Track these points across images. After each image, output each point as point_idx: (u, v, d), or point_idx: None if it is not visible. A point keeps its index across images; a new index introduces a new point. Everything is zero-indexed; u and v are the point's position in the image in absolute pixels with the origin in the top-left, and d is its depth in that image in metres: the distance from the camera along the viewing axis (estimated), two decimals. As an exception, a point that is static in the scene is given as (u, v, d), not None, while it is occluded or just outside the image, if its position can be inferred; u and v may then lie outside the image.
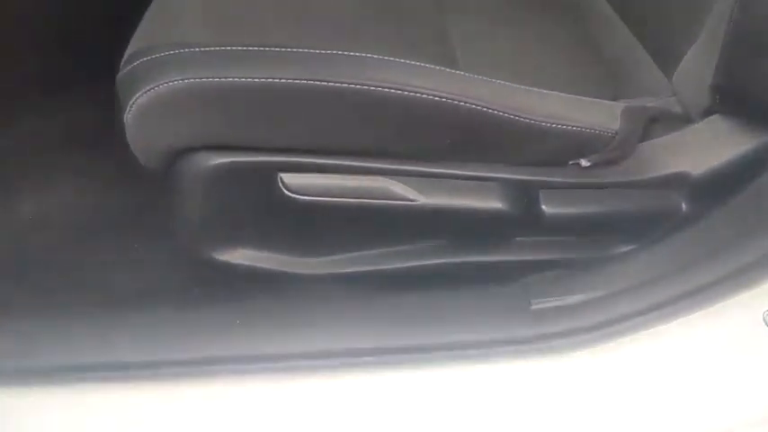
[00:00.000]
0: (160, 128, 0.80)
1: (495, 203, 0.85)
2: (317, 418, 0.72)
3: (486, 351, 0.75)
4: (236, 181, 0.83)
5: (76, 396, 0.72)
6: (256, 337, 0.77)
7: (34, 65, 1.25)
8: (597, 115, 0.85)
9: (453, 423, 0.72)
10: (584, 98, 0.88)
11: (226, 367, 0.74)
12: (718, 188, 0.84)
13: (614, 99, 0.92)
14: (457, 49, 0.98)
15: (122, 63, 0.81)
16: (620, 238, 0.87)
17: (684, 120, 0.90)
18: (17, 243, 1.09)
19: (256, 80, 0.76)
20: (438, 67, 0.82)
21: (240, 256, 0.87)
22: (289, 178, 0.82)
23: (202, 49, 0.78)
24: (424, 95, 0.78)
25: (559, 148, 0.85)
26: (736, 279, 0.74)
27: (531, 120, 0.82)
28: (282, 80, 0.76)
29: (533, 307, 0.79)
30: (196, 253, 0.88)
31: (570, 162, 0.86)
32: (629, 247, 0.87)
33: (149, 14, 0.90)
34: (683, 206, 0.86)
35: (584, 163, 0.85)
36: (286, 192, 0.83)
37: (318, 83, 0.77)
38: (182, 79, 0.75)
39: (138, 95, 0.75)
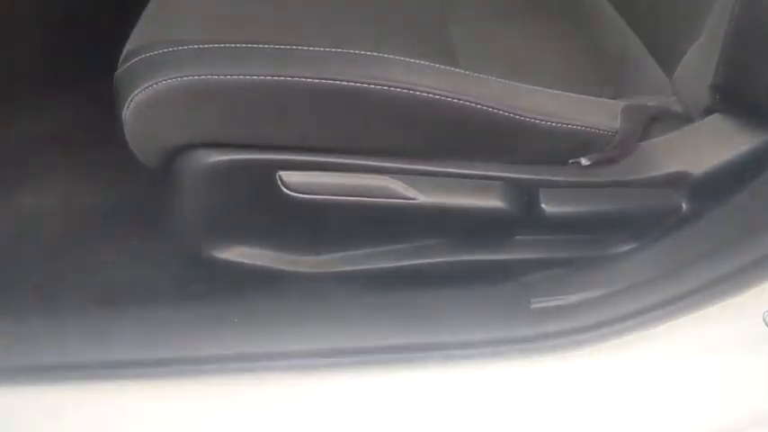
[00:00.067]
0: (158, 125, 0.80)
1: (495, 202, 0.85)
2: (316, 417, 0.72)
3: (485, 350, 0.75)
4: (234, 179, 0.82)
5: (76, 395, 0.72)
6: (255, 335, 0.77)
7: (33, 62, 1.25)
8: (597, 114, 0.85)
9: (453, 422, 0.72)
10: (584, 97, 0.88)
11: (224, 365, 0.74)
12: (718, 187, 0.84)
13: (615, 98, 0.92)
14: (457, 48, 0.98)
15: (120, 60, 0.81)
16: (621, 237, 0.87)
17: (684, 119, 0.90)
18: (15, 241, 1.09)
19: (255, 78, 0.76)
20: (438, 66, 0.82)
21: (239, 254, 0.87)
22: (288, 176, 0.82)
23: (201, 46, 0.79)
24: (424, 94, 0.78)
25: (560, 147, 0.85)
26: (737, 279, 0.74)
27: (531, 118, 0.82)
28: (281, 78, 0.76)
29: (533, 306, 0.79)
30: (195, 251, 0.88)
31: (570, 161, 0.86)
32: (629, 247, 0.87)
33: (148, 12, 0.90)
34: (683, 205, 0.86)
35: (584, 162, 0.85)
36: (285, 190, 0.83)
37: (318, 81, 0.77)
38: (180, 77, 0.75)
39: (135, 93, 0.76)
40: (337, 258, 0.89)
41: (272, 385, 0.73)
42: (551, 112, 0.83)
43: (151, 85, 0.75)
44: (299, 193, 0.83)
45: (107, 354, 0.75)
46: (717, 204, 0.82)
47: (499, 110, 0.81)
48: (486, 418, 0.73)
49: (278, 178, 0.82)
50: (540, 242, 0.89)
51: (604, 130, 0.84)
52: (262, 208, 0.85)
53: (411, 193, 0.84)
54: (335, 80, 0.77)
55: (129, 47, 0.82)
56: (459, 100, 0.79)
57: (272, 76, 0.76)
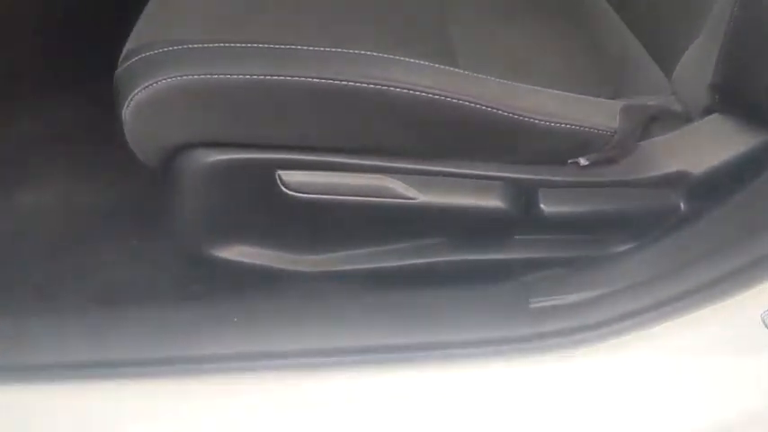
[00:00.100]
0: (158, 124, 0.80)
1: (494, 202, 0.85)
2: (316, 417, 0.72)
3: (484, 350, 0.75)
4: (234, 178, 0.83)
5: (75, 394, 0.72)
6: (255, 334, 0.77)
7: (33, 62, 1.25)
8: (596, 114, 0.85)
9: (452, 422, 0.72)
10: (583, 97, 0.88)
11: (224, 365, 0.74)
12: (717, 187, 0.84)
13: (614, 98, 0.92)
14: (457, 48, 0.98)
15: (120, 59, 0.81)
16: (619, 236, 0.87)
17: (684, 119, 0.90)
18: (15, 240, 1.09)
19: (255, 77, 0.76)
20: (437, 66, 0.82)
21: (239, 254, 0.87)
22: (287, 176, 0.82)
23: (200, 45, 0.79)
24: (424, 93, 0.78)
25: (559, 147, 0.85)
26: (735, 279, 0.74)
27: (530, 118, 0.82)
28: (281, 77, 0.76)
29: (532, 306, 0.79)
30: (194, 250, 0.88)
31: (569, 161, 0.86)
32: (627, 246, 0.87)
33: (148, 11, 0.90)
34: (682, 205, 0.86)
35: (582, 162, 0.85)
36: (284, 189, 0.83)
37: (317, 80, 0.77)
38: (179, 76, 0.75)
39: (135, 92, 0.76)
40: (337, 258, 0.89)
41: (272, 384, 0.73)
42: (550, 112, 0.83)
43: (151, 85, 0.75)
44: (299, 192, 0.83)
45: (107, 353, 0.74)
46: (716, 204, 0.82)
47: (498, 110, 0.81)
48: (486, 418, 0.72)
49: (277, 178, 0.82)
50: (539, 242, 0.89)
51: (603, 130, 0.84)
52: (261, 207, 0.85)
53: (410, 192, 0.84)
54: (335, 80, 0.77)
55: (129, 46, 0.83)
56: (459, 100, 0.79)
57: (272, 75, 0.76)
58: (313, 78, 0.77)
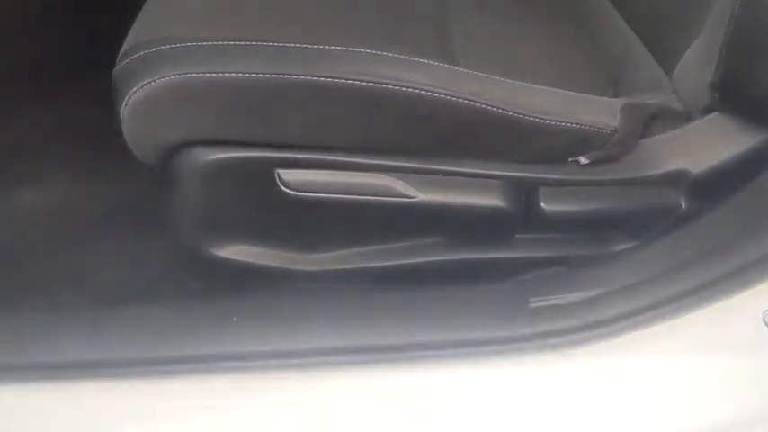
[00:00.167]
0: (156, 123, 0.80)
1: (494, 200, 0.85)
2: (314, 417, 0.72)
3: (484, 349, 0.75)
4: (233, 177, 0.82)
5: (75, 394, 0.72)
6: (254, 333, 0.77)
7: (33, 62, 1.25)
8: (597, 112, 0.85)
9: (452, 421, 0.72)
10: (583, 95, 0.88)
11: (223, 364, 0.74)
12: (717, 186, 0.84)
13: (614, 96, 0.92)
14: (456, 46, 0.97)
15: (119, 57, 0.81)
16: (620, 235, 0.87)
17: (684, 117, 0.90)
18: (13, 238, 1.09)
19: (253, 76, 0.76)
20: (437, 64, 0.82)
21: (237, 253, 0.87)
22: (286, 174, 0.82)
23: (199, 43, 0.78)
24: (423, 92, 0.78)
25: (559, 146, 0.85)
26: (736, 278, 0.74)
27: (530, 117, 0.82)
28: (280, 76, 0.76)
29: (532, 305, 0.78)
30: (193, 249, 0.88)
31: (570, 159, 0.86)
32: (628, 245, 0.87)
33: (146, 9, 0.90)
34: (683, 204, 0.86)
35: (583, 160, 0.85)
36: (283, 188, 0.82)
37: (316, 78, 0.77)
38: (178, 74, 0.75)
39: (134, 90, 0.75)
40: (336, 257, 0.89)
41: (272, 383, 0.73)
42: (551, 110, 0.83)
43: (149, 83, 0.75)
44: (298, 191, 0.83)
45: (106, 353, 0.74)
46: (716, 203, 0.82)
47: (499, 108, 0.81)
48: (485, 417, 0.72)
49: (276, 176, 0.82)
50: (539, 241, 0.89)
51: (603, 129, 0.84)
52: (260, 206, 0.85)
53: (410, 191, 0.84)
54: (334, 78, 0.77)
55: (127, 44, 0.82)
56: (459, 98, 0.79)
57: (271, 74, 0.76)
58: (312, 76, 0.77)
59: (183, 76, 0.75)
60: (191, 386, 0.73)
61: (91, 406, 0.71)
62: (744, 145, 0.85)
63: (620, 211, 0.86)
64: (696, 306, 0.74)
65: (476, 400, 0.73)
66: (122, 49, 0.82)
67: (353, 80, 0.77)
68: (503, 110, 0.81)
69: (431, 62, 0.82)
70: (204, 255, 0.87)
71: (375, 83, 0.77)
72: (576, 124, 0.83)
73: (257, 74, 0.76)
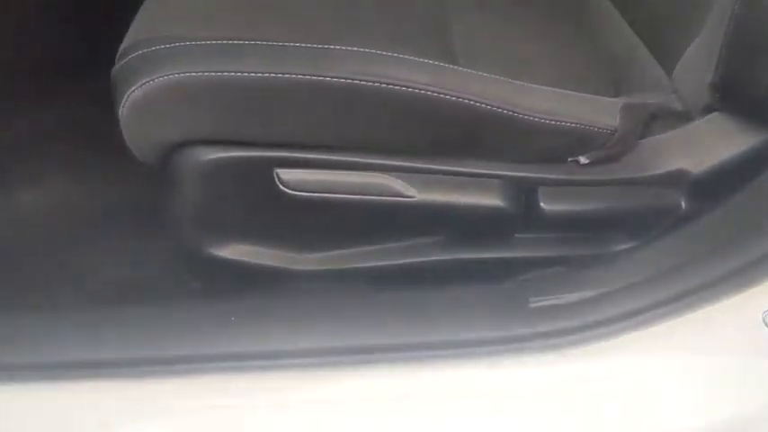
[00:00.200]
0: (155, 122, 0.80)
1: (493, 200, 0.85)
2: (315, 416, 0.72)
3: (483, 349, 0.75)
4: (231, 176, 0.82)
5: (74, 394, 0.72)
6: (253, 333, 0.77)
7: (33, 62, 1.25)
8: (597, 112, 0.85)
9: (452, 421, 0.72)
10: (583, 95, 0.88)
11: (222, 364, 0.74)
12: (717, 186, 0.84)
13: (614, 96, 0.92)
14: (457, 45, 0.97)
15: (118, 56, 0.81)
16: (619, 235, 0.87)
17: (684, 117, 0.90)
18: (15, 240, 1.09)
19: (252, 75, 0.76)
20: (437, 63, 0.82)
21: (236, 252, 0.87)
22: (285, 174, 0.82)
23: (197, 42, 0.78)
24: (423, 91, 0.78)
25: (558, 145, 0.85)
26: (736, 278, 0.74)
27: (530, 116, 0.82)
28: (279, 75, 0.76)
29: (532, 305, 0.78)
30: (192, 248, 0.88)
31: (570, 159, 0.86)
32: (628, 245, 0.87)
33: (145, 8, 0.89)
34: (683, 204, 0.86)
35: (582, 160, 0.85)
36: (282, 187, 0.82)
37: (316, 78, 0.77)
38: (176, 73, 0.75)
39: (132, 89, 0.75)
40: (335, 256, 0.89)
41: (272, 383, 0.73)
42: (551, 109, 0.83)
43: (148, 82, 0.75)
44: (297, 190, 0.83)
45: (106, 353, 0.74)
46: (716, 203, 0.82)
47: (498, 108, 0.81)
48: (485, 417, 0.72)
49: (275, 176, 0.82)
50: (538, 241, 0.89)
51: (604, 128, 0.84)
52: (259, 206, 0.85)
53: (409, 191, 0.84)
54: (333, 77, 0.77)
55: (125, 43, 0.82)
56: (458, 97, 0.79)
57: (270, 73, 0.76)
58: (312, 76, 0.77)
59: (181, 75, 0.75)
60: (191, 386, 0.73)
61: (91, 406, 0.71)
62: (744, 145, 0.85)
63: (620, 211, 0.86)
64: (696, 306, 0.74)
65: (476, 399, 0.73)
66: (121, 48, 0.82)
67: (353, 79, 0.77)
68: (503, 109, 0.81)
69: (431, 62, 0.82)
70: (204, 255, 0.87)
71: (375, 82, 0.77)
72: (576, 124, 0.83)
73: (257, 73, 0.76)
